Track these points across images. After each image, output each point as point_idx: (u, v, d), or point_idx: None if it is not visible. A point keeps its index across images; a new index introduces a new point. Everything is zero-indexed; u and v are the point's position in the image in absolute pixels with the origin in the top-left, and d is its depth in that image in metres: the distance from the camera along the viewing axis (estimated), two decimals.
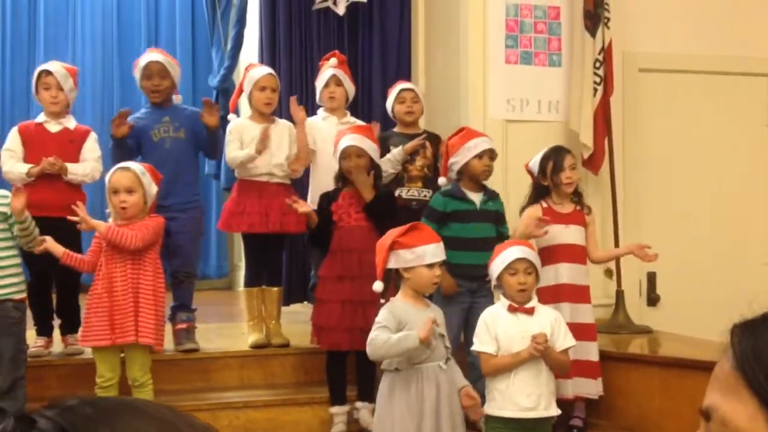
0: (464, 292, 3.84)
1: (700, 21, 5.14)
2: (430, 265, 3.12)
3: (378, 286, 3.16)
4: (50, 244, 3.54)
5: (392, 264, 3.14)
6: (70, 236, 3.77)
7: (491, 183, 4.68)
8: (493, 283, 3.35)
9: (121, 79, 7.32)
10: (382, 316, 3.11)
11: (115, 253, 3.54)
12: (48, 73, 4.15)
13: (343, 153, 3.89)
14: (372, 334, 3.09)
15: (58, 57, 6.60)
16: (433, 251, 3.13)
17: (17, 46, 7.16)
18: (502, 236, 3.92)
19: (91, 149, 4.18)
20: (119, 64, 7.33)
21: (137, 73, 4.33)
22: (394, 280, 3.19)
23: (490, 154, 3.94)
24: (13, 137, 4.08)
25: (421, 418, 3.06)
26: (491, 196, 4.00)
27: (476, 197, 3.95)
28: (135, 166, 3.68)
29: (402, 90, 4.50)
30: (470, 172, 3.93)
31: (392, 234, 3.17)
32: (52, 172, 3.98)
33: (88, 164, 4.13)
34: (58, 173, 4.00)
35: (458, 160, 3.93)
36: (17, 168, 3.97)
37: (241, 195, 4.22)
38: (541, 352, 3.13)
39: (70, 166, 4.05)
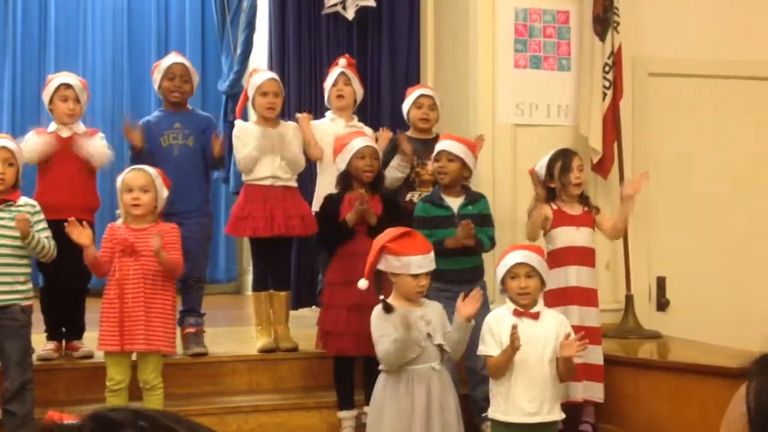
0: (454, 296, 3.82)
1: (710, 25, 5.12)
2: (416, 275, 3.13)
3: (363, 284, 3.19)
4: (86, 238, 3.49)
5: (381, 266, 3.18)
6: None
7: (500, 186, 4.68)
8: (499, 287, 3.35)
9: (131, 85, 7.36)
10: (378, 326, 3.13)
11: (130, 260, 3.56)
12: (68, 86, 4.18)
13: (359, 153, 3.89)
14: (379, 349, 3.12)
15: (69, 64, 6.66)
16: (419, 262, 3.13)
17: (28, 53, 7.20)
18: (488, 238, 3.93)
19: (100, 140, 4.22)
20: (129, 70, 7.37)
21: (157, 75, 4.34)
22: (388, 280, 3.20)
23: (448, 156, 3.93)
24: None
25: (411, 418, 3.07)
26: (473, 199, 3.99)
27: (455, 202, 3.94)
28: (149, 168, 3.72)
29: (421, 95, 4.47)
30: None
31: (386, 235, 3.19)
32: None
33: (98, 142, 4.17)
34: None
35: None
36: None
37: (247, 199, 4.23)
38: (517, 347, 3.09)
39: (89, 144, 4.09)
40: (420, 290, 3.18)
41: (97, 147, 4.15)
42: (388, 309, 3.15)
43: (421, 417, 3.08)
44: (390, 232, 3.20)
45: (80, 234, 3.48)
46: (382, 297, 3.19)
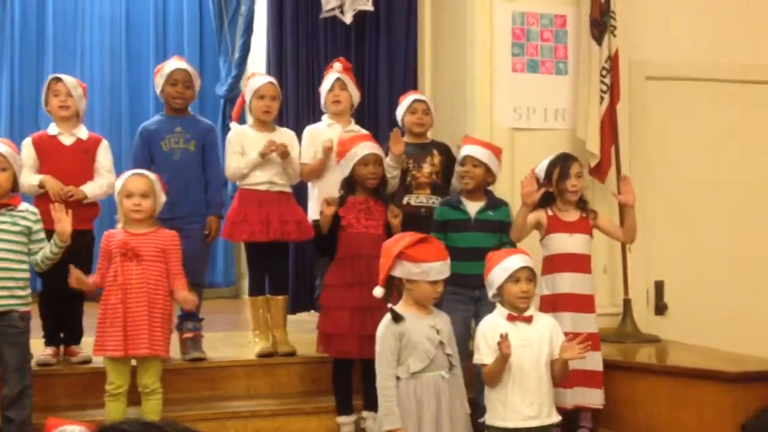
0: (467, 300, 3.83)
1: (707, 29, 5.13)
2: (434, 282, 3.12)
3: (378, 291, 3.16)
4: (79, 280, 3.56)
5: (396, 272, 3.14)
6: (83, 248, 3.94)
7: (499, 190, 4.68)
8: (493, 291, 3.33)
9: (129, 89, 7.37)
10: (384, 341, 3.11)
11: (132, 265, 3.55)
12: (58, 80, 4.17)
13: (363, 160, 3.89)
14: (379, 379, 3.12)
15: (67, 67, 6.67)
16: (439, 269, 3.12)
17: (26, 57, 7.21)
18: (504, 245, 3.91)
19: (104, 160, 4.18)
20: (127, 74, 7.37)
21: (159, 79, 4.31)
22: (397, 286, 3.19)
23: (473, 161, 3.96)
24: (27, 149, 4.08)
25: (419, 427, 3.06)
26: (493, 205, 4.00)
27: (474, 207, 3.96)
28: (148, 173, 3.72)
29: (414, 101, 4.48)
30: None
31: (401, 241, 3.15)
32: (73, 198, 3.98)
33: (103, 180, 4.13)
34: (79, 200, 4.00)
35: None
36: (29, 179, 3.97)
37: (242, 204, 4.22)
38: (507, 354, 3.10)
39: (88, 190, 4.06)
40: (436, 296, 3.17)
41: (102, 187, 4.12)
42: (397, 318, 3.13)
43: (431, 426, 3.07)
44: (405, 238, 3.17)
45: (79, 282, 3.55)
46: (390, 306, 3.17)
